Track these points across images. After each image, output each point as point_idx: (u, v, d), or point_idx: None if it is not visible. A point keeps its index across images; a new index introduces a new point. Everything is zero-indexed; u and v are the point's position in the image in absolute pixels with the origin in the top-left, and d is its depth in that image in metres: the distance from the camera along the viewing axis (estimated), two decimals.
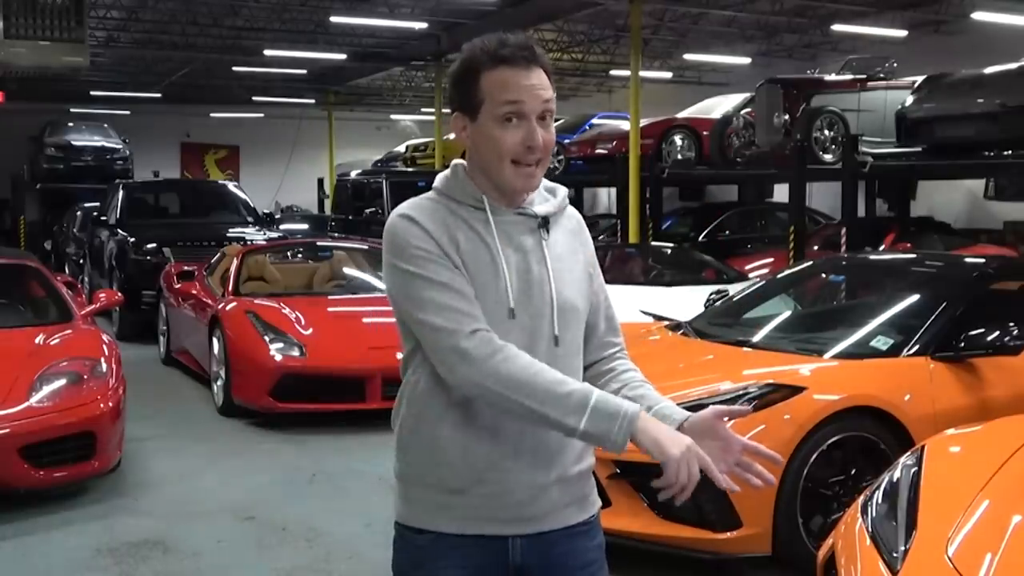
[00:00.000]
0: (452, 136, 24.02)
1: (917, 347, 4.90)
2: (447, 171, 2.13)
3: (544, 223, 2.09)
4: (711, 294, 7.07)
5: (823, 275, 7.21)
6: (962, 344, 4.83)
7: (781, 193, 15.69)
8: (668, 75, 22.85)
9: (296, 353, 7.46)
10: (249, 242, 11.47)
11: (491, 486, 2.02)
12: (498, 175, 2.03)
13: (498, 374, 1.92)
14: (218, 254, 10.16)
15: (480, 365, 1.92)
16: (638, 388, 2.15)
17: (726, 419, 2.03)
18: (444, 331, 1.94)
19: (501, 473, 2.02)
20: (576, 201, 14.37)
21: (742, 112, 13.83)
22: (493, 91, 1.98)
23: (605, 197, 20.66)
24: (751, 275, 10.52)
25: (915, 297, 5.64)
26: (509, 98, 1.98)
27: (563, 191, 2.19)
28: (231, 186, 15.97)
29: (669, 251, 11.61)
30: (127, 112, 28.88)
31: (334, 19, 18.15)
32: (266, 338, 7.57)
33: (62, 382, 5.68)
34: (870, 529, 2.97)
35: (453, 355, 1.93)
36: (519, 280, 2.03)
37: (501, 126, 1.99)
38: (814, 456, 4.42)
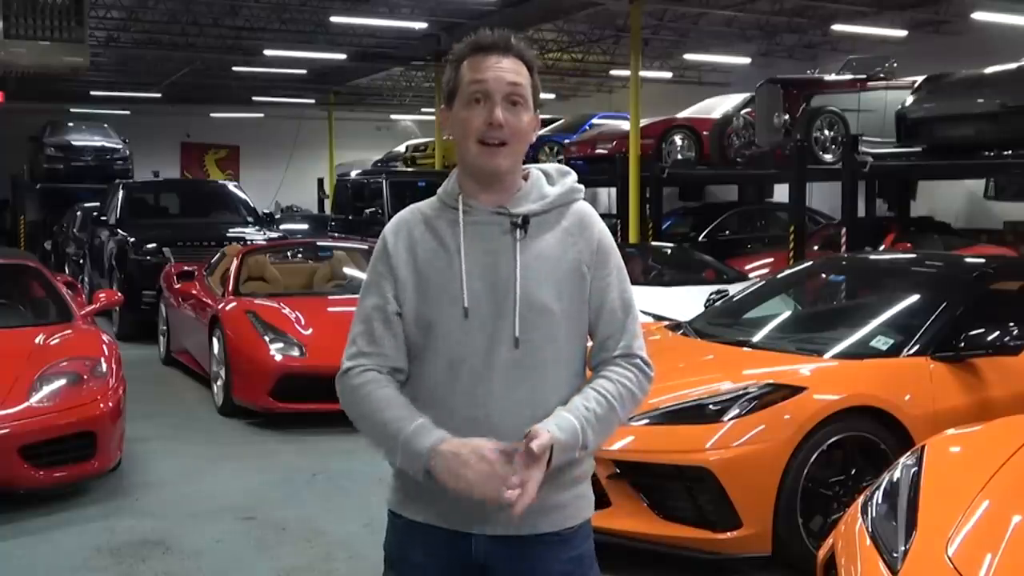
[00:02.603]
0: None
1: (917, 347, 4.90)
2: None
3: (523, 222, 2.09)
4: (711, 294, 7.07)
5: (823, 275, 7.20)
6: (962, 344, 4.83)
7: (781, 193, 15.68)
8: (668, 75, 22.85)
9: (296, 353, 7.46)
10: (249, 242, 11.47)
11: None
12: (466, 155, 2.10)
13: (351, 412, 2.14)
14: (218, 254, 10.17)
15: (343, 402, 2.16)
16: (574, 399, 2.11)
17: (532, 447, 1.95)
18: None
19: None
20: None
21: (742, 112, 13.82)
22: (465, 75, 2.09)
23: (605, 197, 20.64)
24: (751, 275, 10.51)
25: (915, 297, 5.63)
26: (475, 78, 2.07)
27: (567, 187, 2.17)
28: (231, 186, 15.96)
29: (669, 251, 11.60)
30: (127, 112, 28.89)
31: (334, 19, 18.15)
32: (266, 338, 7.57)
33: (62, 382, 5.67)
34: (870, 529, 2.97)
35: (336, 387, 2.17)
36: (481, 280, 2.07)
37: (469, 107, 2.07)
38: (814, 456, 4.42)
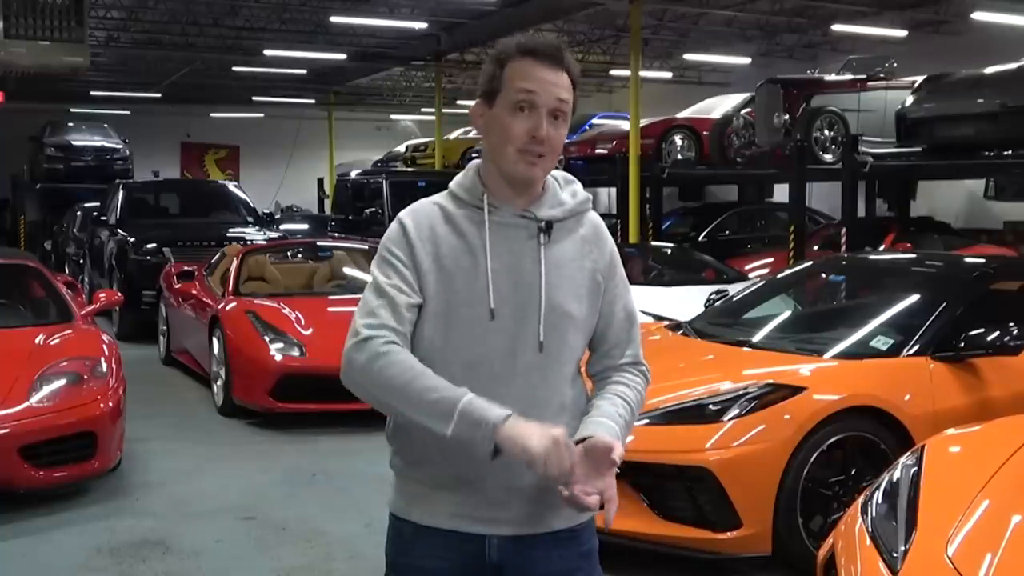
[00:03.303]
0: (453, 136, 24.02)
1: (917, 347, 4.90)
2: (463, 171, 2.19)
3: (547, 227, 2.10)
4: (711, 294, 7.07)
5: (823, 275, 7.21)
6: (962, 344, 4.83)
7: (781, 193, 15.69)
8: (668, 75, 22.85)
9: (296, 353, 7.46)
10: (249, 242, 11.47)
11: (468, 486, 2.06)
12: (502, 160, 2.06)
13: (375, 381, 1.97)
14: (218, 254, 10.17)
15: (360, 371, 1.98)
16: (594, 401, 2.15)
17: (615, 459, 1.95)
18: (351, 333, 2.01)
19: (478, 474, 2.04)
20: None
21: (742, 112, 13.82)
22: (512, 79, 2.04)
23: (605, 197, 20.66)
24: (751, 275, 10.52)
25: (915, 297, 5.63)
26: (524, 86, 2.03)
27: (580, 196, 2.18)
28: (231, 186, 15.98)
29: (669, 251, 11.61)
30: (127, 112, 28.89)
31: (334, 19, 18.16)
32: (266, 338, 7.57)
33: (62, 382, 5.67)
34: (870, 529, 2.97)
35: (345, 358, 2.00)
36: (506, 282, 2.05)
37: (512, 113, 2.03)
38: (814, 456, 4.42)
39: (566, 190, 2.18)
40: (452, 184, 2.16)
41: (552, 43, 2.07)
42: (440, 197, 2.15)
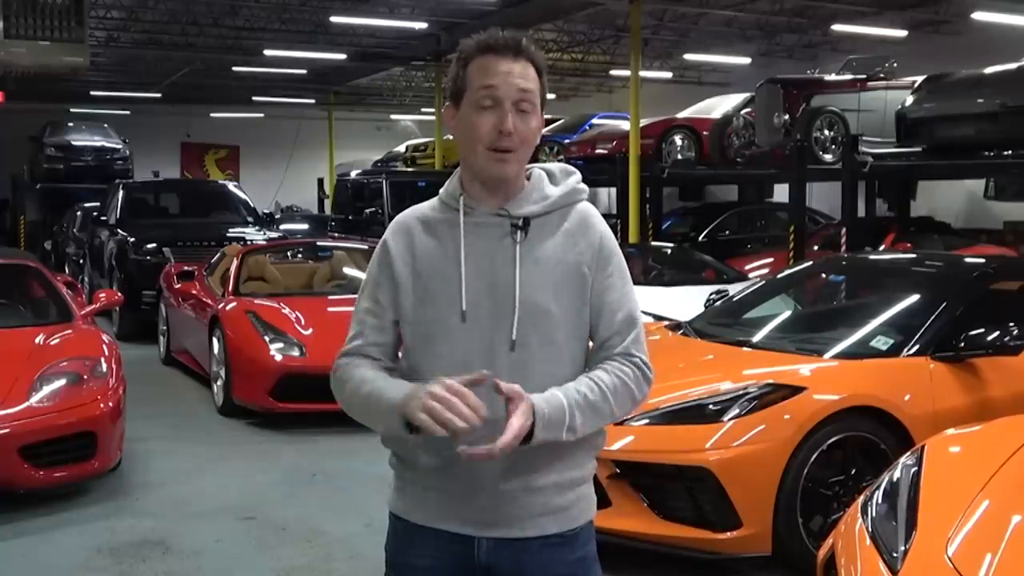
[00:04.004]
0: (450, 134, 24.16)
1: (917, 347, 4.90)
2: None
3: (524, 224, 2.08)
4: (711, 294, 7.07)
5: (823, 275, 7.21)
6: (962, 344, 4.83)
7: (781, 193, 15.69)
8: (668, 75, 22.85)
9: (296, 353, 7.46)
10: (249, 242, 11.47)
11: (456, 487, 2.06)
12: (474, 161, 2.08)
13: (341, 400, 2.16)
14: (218, 254, 10.17)
15: (336, 395, 2.17)
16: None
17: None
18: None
19: (466, 476, 2.04)
20: None
21: (742, 112, 13.83)
22: (474, 77, 2.05)
23: (605, 197, 20.66)
24: (751, 275, 10.51)
25: (915, 297, 5.63)
26: (485, 83, 2.03)
27: (568, 188, 2.15)
28: (231, 186, 15.98)
29: (669, 251, 11.61)
30: (127, 112, 28.90)
31: (334, 19, 18.15)
32: (266, 338, 7.57)
33: (62, 382, 5.67)
34: (870, 529, 2.97)
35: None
36: (480, 283, 2.05)
37: (477, 111, 2.04)
38: (814, 456, 4.42)
39: (562, 183, 2.16)
40: (441, 189, 2.18)
41: (511, 36, 2.07)
42: (427, 203, 2.19)
